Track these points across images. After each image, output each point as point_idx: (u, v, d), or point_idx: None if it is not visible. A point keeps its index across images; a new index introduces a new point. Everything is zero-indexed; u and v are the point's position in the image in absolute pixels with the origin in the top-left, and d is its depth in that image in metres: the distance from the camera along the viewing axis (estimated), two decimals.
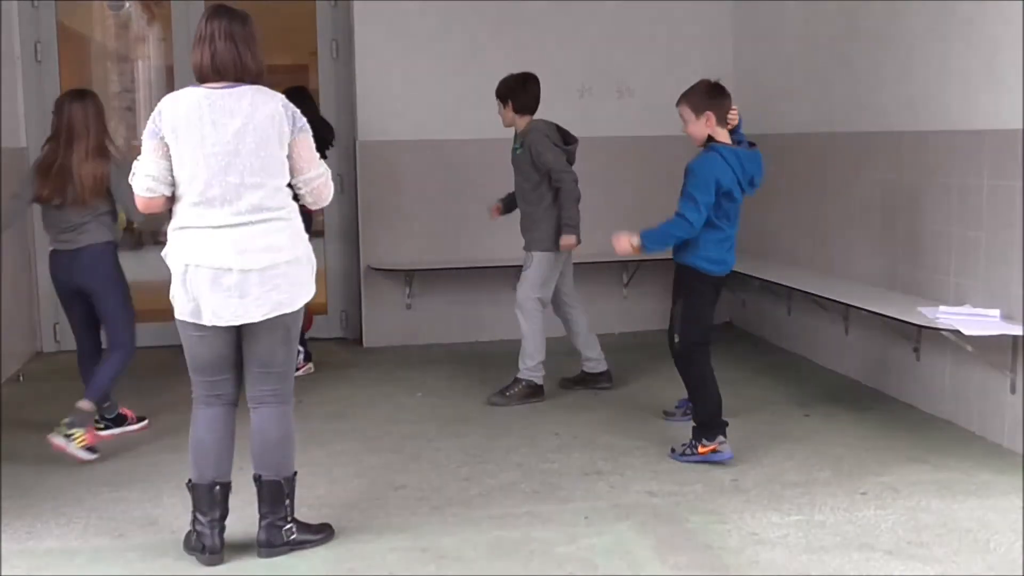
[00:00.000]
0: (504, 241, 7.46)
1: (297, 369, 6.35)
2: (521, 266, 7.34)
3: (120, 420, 5.33)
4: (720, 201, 4.76)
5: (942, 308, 5.00)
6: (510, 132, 7.31)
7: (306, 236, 3.77)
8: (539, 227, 5.81)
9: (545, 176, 5.77)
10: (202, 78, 3.63)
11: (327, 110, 7.46)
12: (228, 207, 3.57)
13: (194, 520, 3.77)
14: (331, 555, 3.79)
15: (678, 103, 4.99)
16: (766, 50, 7.29)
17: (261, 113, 3.56)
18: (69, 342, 7.30)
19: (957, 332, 4.77)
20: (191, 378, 3.82)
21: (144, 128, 3.66)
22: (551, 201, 5.79)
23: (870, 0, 5.93)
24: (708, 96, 4.93)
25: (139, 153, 3.66)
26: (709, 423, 4.79)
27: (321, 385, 6.16)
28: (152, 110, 3.67)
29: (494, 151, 7.38)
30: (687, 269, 4.87)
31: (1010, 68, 4.79)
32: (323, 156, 4.05)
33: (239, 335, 3.72)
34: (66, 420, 4.84)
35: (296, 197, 3.74)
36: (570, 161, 5.87)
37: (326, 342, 7.42)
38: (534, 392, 5.81)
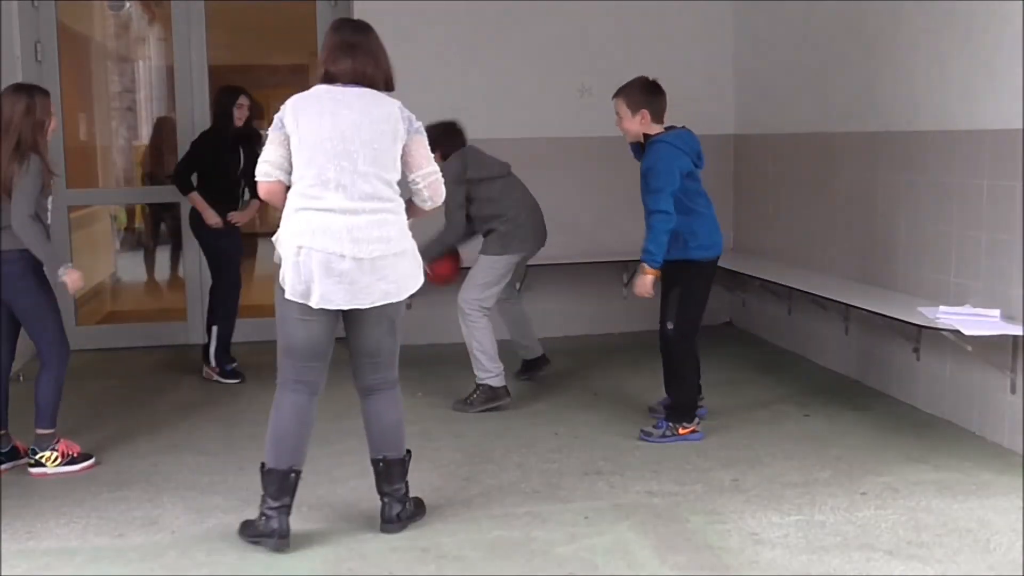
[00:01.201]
0: None
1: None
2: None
3: (13, 454, 4.84)
4: (687, 184, 4.94)
5: (942, 308, 5.00)
6: (512, 132, 7.35)
7: (409, 232, 3.89)
8: (487, 235, 5.79)
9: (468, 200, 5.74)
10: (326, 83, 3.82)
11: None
12: (342, 192, 3.70)
13: (263, 504, 3.81)
14: (331, 555, 3.79)
15: (614, 97, 5.13)
16: (766, 50, 7.29)
17: (378, 110, 3.76)
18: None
19: (957, 332, 4.77)
20: (280, 362, 3.87)
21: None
22: (489, 212, 5.75)
23: (870, 0, 5.93)
24: (645, 94, 5.06)
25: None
26: (689, 406, 5.08)
27: None
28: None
29: (494, 152, 7.39)
30: (682, 263, 4.99)
31: (1009, 68, 4.79)
32: None
33: (341, 324, 3.85)
34: (31, 449, 4.78)
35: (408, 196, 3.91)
36: (501, 175, 5.84)
37: None
38: (495, 396, 5.67)
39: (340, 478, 4.57)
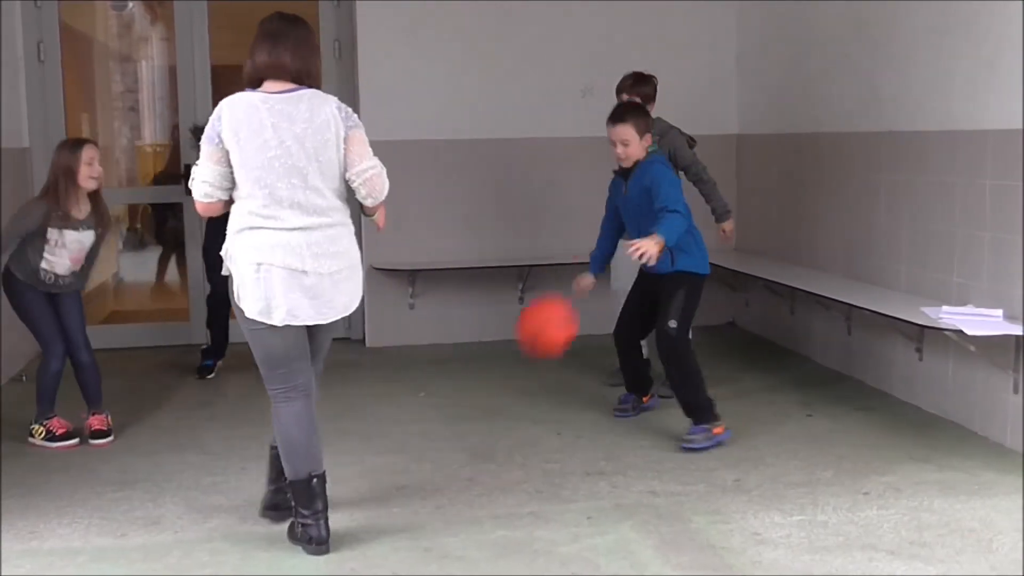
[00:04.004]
0: (505, 241, 7.48)
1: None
2: (524, 265, 7.36)
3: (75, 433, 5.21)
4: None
5: (945, 308, 5.00)
6: (514, 132, 7.34)
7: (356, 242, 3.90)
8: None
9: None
10: (254, 81, 3.72)
11: None
12: (298, 209, 3.66)
13: (296, 514, 3.82)
14: (334, 555, 3.79)
15: (620, 121, 5.03)
16: (769, 50, 7.29)
17: (319, 118, 3.65)
18: None
19: (960, 332, 4.77)
20: (264, 375, 3.84)
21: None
22: None
23: (872, 0, 5.93)
24: (648, 118, 5.15)
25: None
26: (709, 405, 5.00)
27: (324, 384, 6.13)
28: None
29: (497, 151, 7.40)
30: (687, 275, 5.04)
31: (1012, 68, 4.79)
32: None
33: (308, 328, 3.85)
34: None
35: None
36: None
37: None
38: None
39: (341, 478, 4.57)
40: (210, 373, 6.50)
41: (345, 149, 3.69)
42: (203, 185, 3.71)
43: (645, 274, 5.21)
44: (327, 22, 7.46)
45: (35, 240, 4.99)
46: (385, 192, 3.79)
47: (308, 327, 3.81)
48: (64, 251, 5.03)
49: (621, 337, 5.43)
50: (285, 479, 3.94)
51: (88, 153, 5.01)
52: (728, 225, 5.92)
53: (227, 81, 6.69)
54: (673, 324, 4.98)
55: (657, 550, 3.80)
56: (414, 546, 3.86)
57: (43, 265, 5.01)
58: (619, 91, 5.77)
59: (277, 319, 3.67)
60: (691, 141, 5.82)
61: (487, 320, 7.46)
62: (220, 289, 6.46)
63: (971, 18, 5.10)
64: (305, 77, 3.71)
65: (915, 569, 3.62)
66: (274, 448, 3.98)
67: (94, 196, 5.10)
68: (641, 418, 5.46)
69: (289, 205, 3.64)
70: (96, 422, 5.21)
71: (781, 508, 4.18)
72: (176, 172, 7.65)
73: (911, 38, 5.60)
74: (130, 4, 9.52)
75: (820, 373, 6.40)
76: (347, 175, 3.73)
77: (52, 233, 4.99)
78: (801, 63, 6.83)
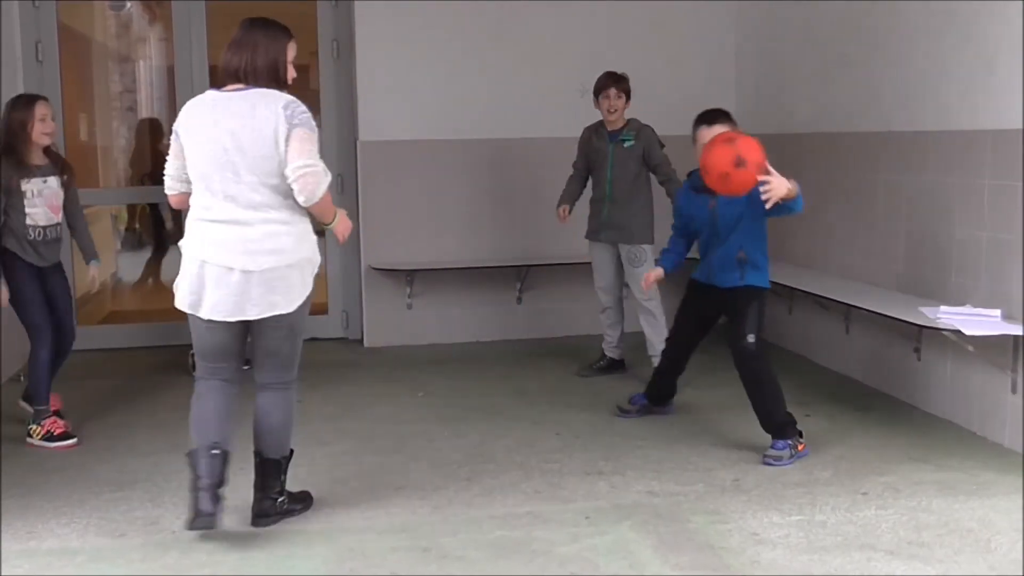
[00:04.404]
0: (503, 241, 7.47)
1: None
2: (522, 265, 7.36)
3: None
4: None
5: (943, 308, 5.00)
6: (514, 132, 7.35)
7: (313, 237, 3.92)
8: (640, 218, 6.01)
9: (644, 170, 6.00)
10: (218, 80, 3.87)
11: (328, 110, 7.46)
12: (232, 202, 3.73)
13: (192, 488, 3.84)
14: (332, 555, 3.79)
15: (716, 122, 5.03)
16: (767, 50, 7.29)
17: (260, 114, 3.70)
18: None
19: (958, 332, 4.77)
20: (195, 360, 4.00)
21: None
22: (647, 193, 6.04)
23: (871, 0, 5.93)
24: None
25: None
26: (792, 420, 4.84)
27: (322, 385, 6.16)
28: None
29: (496, 151, 7.40)
30: (756, 290, 4.89)
31: (1010, 68, 4.79)
32: None
33: (247, 327, 3.89)
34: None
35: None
36: None
37: (327, 342, 7.43)
38: None
39: (341, 478, 4.57)
40: None
41: (286, 146, 3.70)
42: (166, 179, 3.91)
43: (703, 285, 5.05)
44: (325, 22, 7.46)
45: (14, 201, 5.05)
46: (319, 194, 3.73)
47: (249, 328, 3.88)
48: (40, 199, 5.12)
49: (674, 351, 5.35)
50: (275, 488, 4.02)
51: (41, 110, 5.11)
52: None
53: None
54: (751, 339, 4.82)
55: (656, 550, 3.80)
56: (413, 546, 3.86)
57: (27, 221, 5.09)
58: (603, 88, 6.03)
59: (204, 313, 3.78)
60: (660, 143, 6.01)
61: (485, 320, 7.46)
62: None
63: (970, 18, 5.11)
64: (251, 77, 3.79)
65: (913, 569, 3.62)
66: (258, 455, 4.03)
67: (48, 150, 5.21)
68: (640, 418, 5.46)
69: (223, 197, 3.73)
70: (55, 400, 5.30)
71: (780, 508, 4.18)
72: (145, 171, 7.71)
73: (910, 38, 5.61)
74: (128, 4, 9.51)
75: (818, 373, 6.41)
76: (285, 171, 3.72)
77: (24, 184, 5.06)
78: (800, 63, 6.83)
